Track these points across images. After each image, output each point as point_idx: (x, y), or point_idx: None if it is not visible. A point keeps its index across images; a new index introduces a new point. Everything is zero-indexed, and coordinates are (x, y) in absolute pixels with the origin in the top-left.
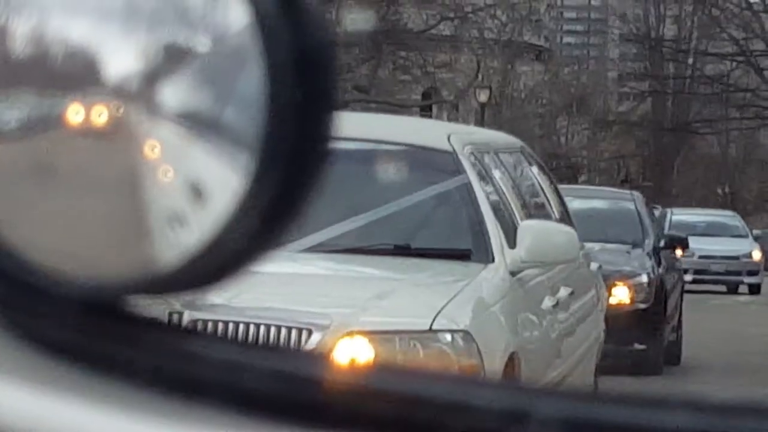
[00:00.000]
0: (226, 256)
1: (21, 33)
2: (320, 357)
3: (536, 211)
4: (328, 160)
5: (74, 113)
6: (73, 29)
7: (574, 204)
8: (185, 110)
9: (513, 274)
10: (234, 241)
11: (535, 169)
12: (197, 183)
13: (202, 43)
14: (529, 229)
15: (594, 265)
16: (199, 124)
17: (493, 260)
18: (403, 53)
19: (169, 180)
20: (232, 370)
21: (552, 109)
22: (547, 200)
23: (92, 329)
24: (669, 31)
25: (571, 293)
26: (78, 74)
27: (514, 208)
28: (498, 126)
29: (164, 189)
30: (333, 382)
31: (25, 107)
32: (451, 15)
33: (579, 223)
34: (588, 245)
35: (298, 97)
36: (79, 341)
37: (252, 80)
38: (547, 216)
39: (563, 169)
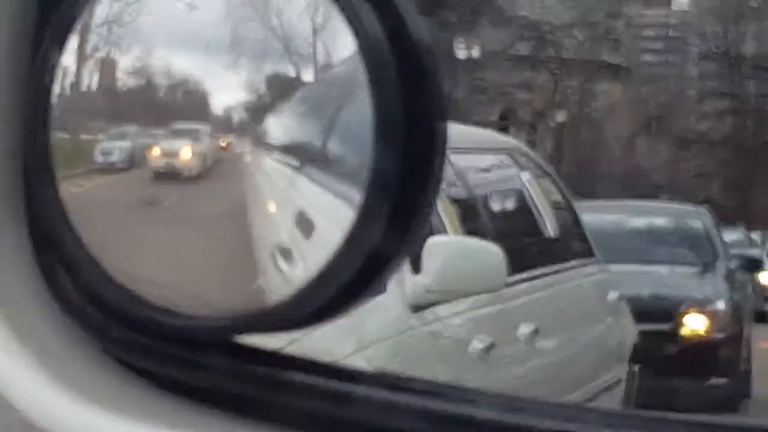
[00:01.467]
0: (334, 291)
1: (124, 66)
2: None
3: (509, 223)
4: (436, 190)
5: (179, 146)
6: (177, 61)
7: (633, 221)
8: (291, 141)
9: (417, 308)
10: (342, 275)
11: (526, 175)
12: (304, 215)
13: (307, 73)
14: (438, 247)
15: (613, 294)
16: (306, 154)
17: (384, 290)
18: (479, 74)
19: (275, 212)
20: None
21: (631, 129)
22: (538, 212)
23: (199, 364)
24: (749, 48)
25: (535, 331)
26: (183, 107)
27: (448, 221)
28: (576, 146)
29: (271, 222)
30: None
31: (129, 140)
32: (528, 35)
33: (638, 243)
34: (649, 268)
35: (406, 125)
36: (186, 376)
37: (359, 109)
38: (530, 230)
39: (643, 189)
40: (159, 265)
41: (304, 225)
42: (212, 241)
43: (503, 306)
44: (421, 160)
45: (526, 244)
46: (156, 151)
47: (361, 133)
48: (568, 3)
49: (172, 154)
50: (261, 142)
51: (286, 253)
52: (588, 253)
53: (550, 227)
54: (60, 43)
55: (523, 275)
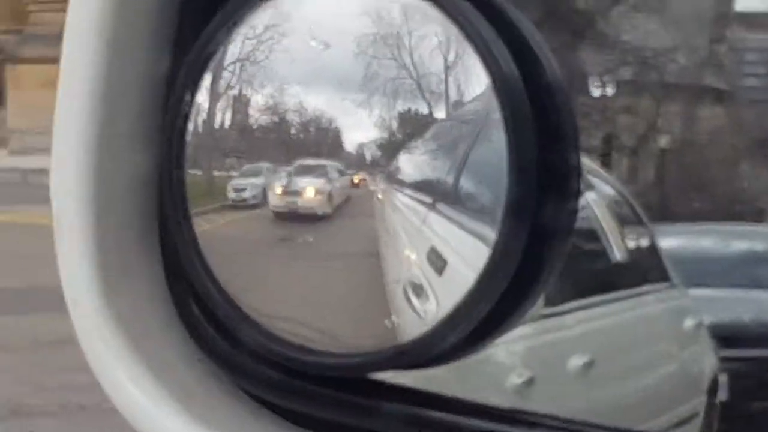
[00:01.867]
0: (468, 329)
1: (256, 103)
2: None
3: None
4: (571, 228)
5: (311, 183)
6: (309, 99)
7: (735, 245)
8: (424, 178)
9: None
10: (476, 313)
11: (592, 195)
12: (437, 252)
13: (440, 110)
14: None
15: (689, 321)
16: (438, 191)
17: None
18: (582, 98)
19: (408, 249)
20: None
21: (734, 153)
22: (603, 234)
23: (332, 400)
24: None
25: (589, 363)
26: (315, 144)
27: None
28: (679, 171)
29: (403, 258)
30: None
31: (262, 176)
32: (631, 59)
33: (740, 267)
34: (751, 292)
35: (540, 162)
36: (318, 412)
37: (492, 146)
38: (591, 254)
39: (747, 213)
40: (291, 302)
41: (437, 261)
42: (345, 277)
43: (549, 337)
44: (555, 198)
45: (584, 270)
46: (278, 190)
47: (495, 170)
48: (670, 27)
49: (296, 193)
50: (393, 179)
51: (418, 290)
52: (661, 277)
53: (616, 251)
54: (194, 82)
55: (578, 303)
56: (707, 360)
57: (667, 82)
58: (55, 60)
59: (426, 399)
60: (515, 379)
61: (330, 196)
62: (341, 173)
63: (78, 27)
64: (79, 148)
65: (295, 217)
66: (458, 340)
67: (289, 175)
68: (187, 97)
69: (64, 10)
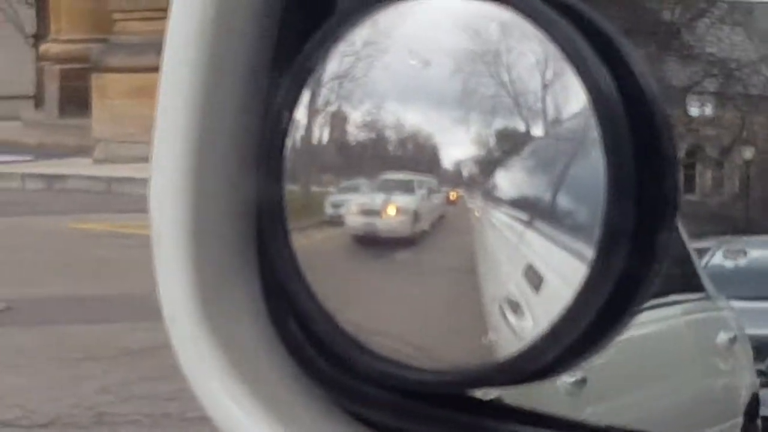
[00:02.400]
0: (565, 346)
1: (354, 119)
2: None
3: None
4: (671, 244)
5: (393, 200)
6: (407, 116)
7: None
8: (520, 195)
9: None
10: (573, 331)
11: None
12: (534, 269)
13: (537, 128)
14: None
15: (723, 336)
16: (535, 209)
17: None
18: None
19: (504, 266)
20: None
21: None
22: None
23: (430, 417)
24: None
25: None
26: (412, 161)
27: None
28: (764, 182)
29: (500, 275)
30: None
31: (359, 192)
32: (716, 71)
33: None
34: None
35: (638, 182)
36: (416, 428)
37: (590, 164)
38: None
39: None
40: (390, 318)
41: (534, 279)
42: (442, 293)
43: None
44: (653, 215)
45: None
46: (353, 208)
47: (593, 188)
48: (755, 39)
49: (375, 212)
50: (490, 196)
51: (515, 307)
52: (693, 288)
53: None
54: (293, 98)
55: None
56: (744, 376)
57: (752, 94)
58: (140, 69)
59: (522, 416)
60: (567, 378)
61: (416, 215)
62: (436, 190)
63: (177, 43)
64: (178, 165)
65: (374, 242)
66: (555, 357)
67: (371, 190)
68: (286, 114)
69: (149, 19)
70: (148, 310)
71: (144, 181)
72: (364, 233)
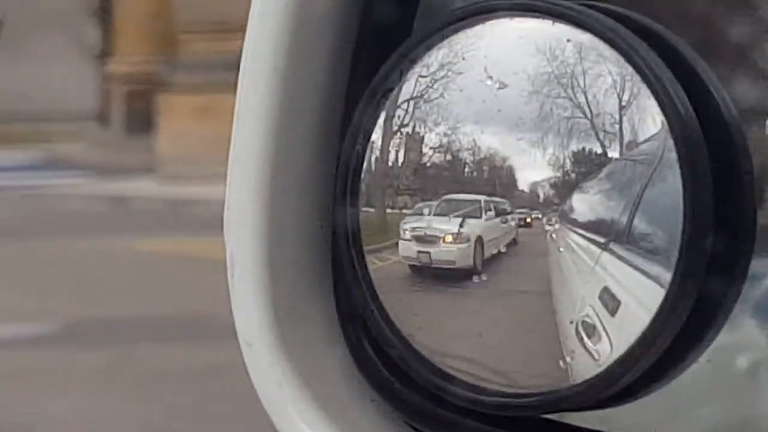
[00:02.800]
0: (641, 370)
1: (430, 141)
2: None
3: None
4: (748, 267)
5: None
6: (483, 137)
7: None
8: (597, 218)
9: None
10: (650, 355)
11: None
12: (610, 292)
13: (613, 150)
14: None
15: (745, 359)
16: (611, 231)
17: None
18: None
19: (580, 289)
20: None
21: None
22: None
23: None
24: None
25: None
26: (488, 182)
27: None
28: None
29: (576, 298)
30: None
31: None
32: None
33: None
34: None
35: (716, 204)
36: None
37: (667, 187)
38: None
39: None
40: (465, 341)
41: (610, 302)
42: (518, 316)
43: None
44: (730, 238)
45: None
46: (406, 234)
47: (670, 210)
48: None
49: (430, 240)
50: (567, 219)
51: (591, 330)
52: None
53: None
54: (369, 120)
55: None
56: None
57: None
58: (206, 89)
59: None
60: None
61: (478, 243)
62: (512, 212)
63: (253, 66)
64: (253, 190)
65: (428, 274)
66: (632, 381)
67: (446, 213)
68: (362, 136)
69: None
70: (213, 330)
71: (208, 202)
72: (439, 257)
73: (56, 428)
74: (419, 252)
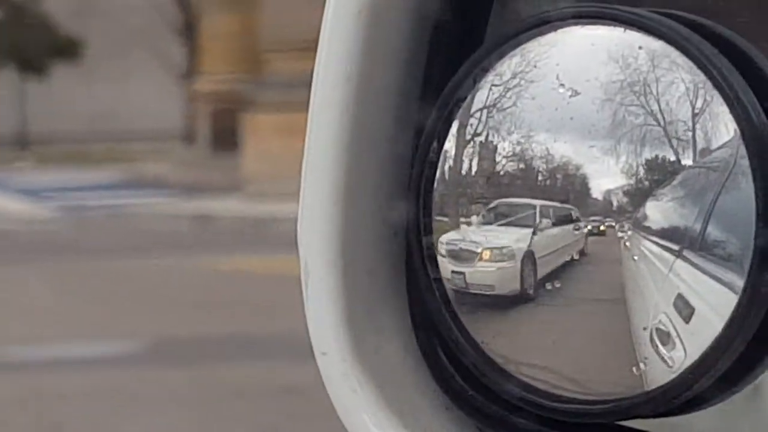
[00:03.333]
0: (715, 377)
1: (503, 150)
2: None
3: None
4: None
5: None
6: (556, 146)
7: None
8: (670, 225)
9: None
10: (724, 361)
11: None
12: (684, 299)
13: (686, 157)
14: None
15: None
16: (685, 238)
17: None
18: None
19: (654, 296)
20: None
21: None
22: None
23: None
24: None
25: None
26: (561, 190)
27: None
28: None
29: (649, 305)
30: None
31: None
32: None
33: None
34: None
35: None
36: None
37: (740, 195)
38: None
39: None
40: (538, 348)
41: (684, 309)
42: (591, 323)
43: None
44: None
45: None
46: (442, 249)
47: (743, 217)
48: None
49: (465, 257)
50: (640, 226)
51: (665, 337)
52: None
53: None
54: (442, 129)
55: None
56: None
57: None
58: (291, 107)
59: None
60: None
61: (527, 260)
62: (585, 220)
63: (326, 77)
64: (326, 199)
65: (466, 296)
66: (705, 388)
67: (518, 221)
68: (435, 145)
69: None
70: (298, 349)
71: (293, 220)
72: (473, 279)
73: None
74: (453, 272)
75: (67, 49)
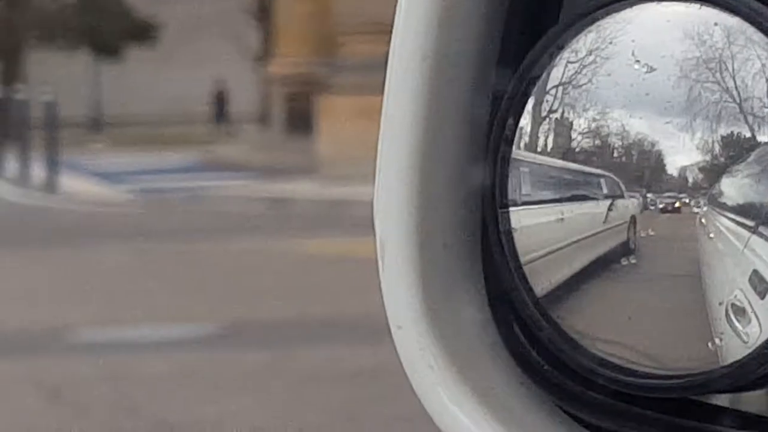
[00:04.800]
0: None
1: (578, 127)
2: None
3: None
4: None
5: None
6: (632, 122)
7: None
8: (746, 202)
9: None
10: None
11: None
12: (759, 275)
13: (762, 133)
14: None
15: None
16: (761, 215)
17: None
18: None
19: (729, 272)
20: None
21: None
22: None
23: (656, 422)
24: None
25: None
26: (636, 167)
27: None
28: None
29: (725, 281)
30: None
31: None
32: None
33: None
34: None
35: None
36: None
37: None
38: None
39: None
40: (614, 323)
41: (759, 285)
42: (666, 299)
43: None
44: None
45: None
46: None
47: None
48: None
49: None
50: (715, 203)
51: (741, 313)
52: None
53: None
54: (517, 106)
55: None
56: None
57: None
58: (366, 90)
59: (746, 421)
60: None
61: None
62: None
63: (402, 55)
64: (402, 175)
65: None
66: None
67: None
68: (511, 122)
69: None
70: (372, 332)
71: (368, 203)
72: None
73: (214, 429)
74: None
75: (143, 32)
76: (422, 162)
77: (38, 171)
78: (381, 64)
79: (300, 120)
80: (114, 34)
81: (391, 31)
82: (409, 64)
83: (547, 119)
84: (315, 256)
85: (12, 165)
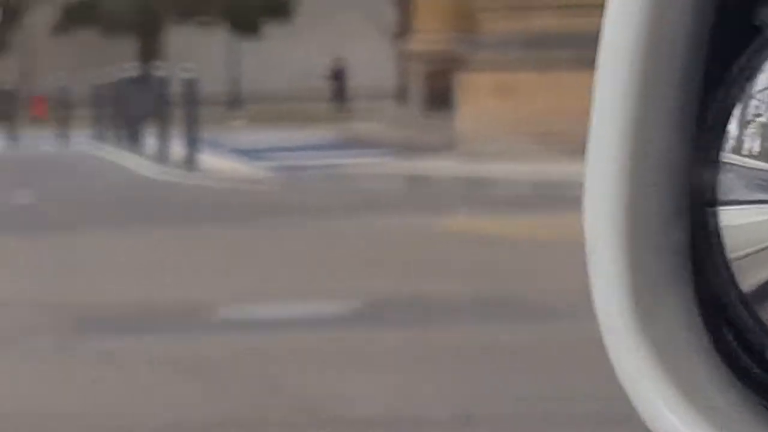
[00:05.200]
0: None
1: None
2: None
3: None
4: None
5: None
6: None
7: None
8: None
9: None
10: None
11: None
12: None
13: None
14: None
15: None
16: None
17: None
18: None
19: None
20: None
21: None
22: None
23: None
24: None
25: None
26: None
27: None
28: None
29: None
30: None
31: None
32: None
33: None
34: None
35: None
36: None
37: None
38: None
39: None
40: None
41: None
42: None
43: None
44: None
45: None
46: None
47: None
48: None
49: None
50: None
51: None
52: None
53: None
54: (724, 108)
55: None
56: None
57: None
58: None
59: None
60: None
61: None
62: None
63: (611, 56)
64: (613, 176)
65: None
66: None
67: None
68: (719, 127)
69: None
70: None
71: (507, 180)
72: None
73: (354, 407)
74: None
75: (282, 8)
76: (631, 162)
77: (178, 148)
78: (520, 41)
79: (438, 96)
80: (253, 11)
81: (530, 8)
82: (616, 66)
83: (754, 123)
84: (454, 232)
85: (152, 142)
